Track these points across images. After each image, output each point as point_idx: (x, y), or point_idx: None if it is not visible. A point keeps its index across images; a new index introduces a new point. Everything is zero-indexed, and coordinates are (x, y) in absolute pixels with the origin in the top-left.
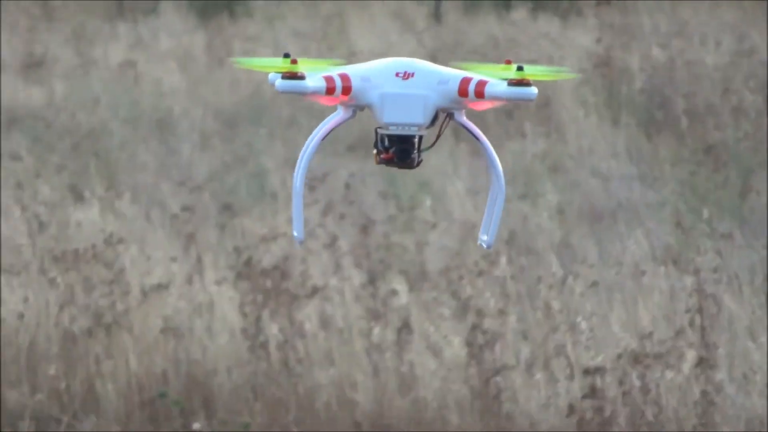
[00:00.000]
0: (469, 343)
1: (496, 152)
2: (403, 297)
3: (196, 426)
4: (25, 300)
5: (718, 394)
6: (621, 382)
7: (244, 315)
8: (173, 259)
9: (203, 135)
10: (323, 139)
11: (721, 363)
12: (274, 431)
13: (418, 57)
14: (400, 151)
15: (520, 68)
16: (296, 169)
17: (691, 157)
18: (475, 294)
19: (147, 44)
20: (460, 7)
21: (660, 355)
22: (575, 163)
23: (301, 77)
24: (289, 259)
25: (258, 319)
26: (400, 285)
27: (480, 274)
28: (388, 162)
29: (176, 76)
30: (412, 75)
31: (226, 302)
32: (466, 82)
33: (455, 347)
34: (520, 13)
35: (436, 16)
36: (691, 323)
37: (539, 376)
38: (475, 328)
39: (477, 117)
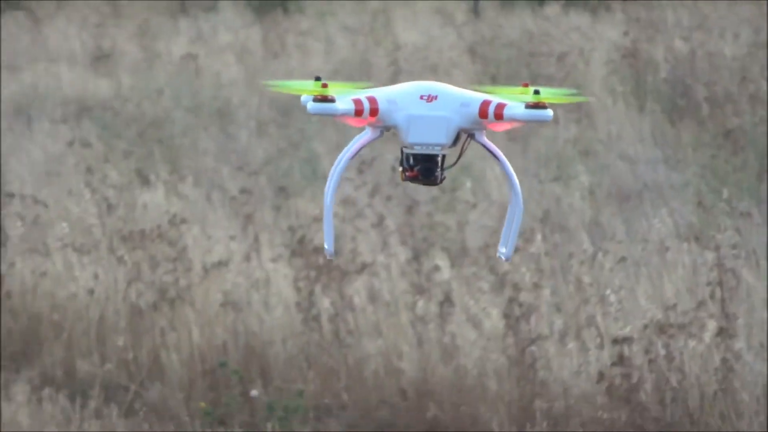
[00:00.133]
0: (507, 315)
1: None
2: (446, 272)
3: (253, 393)
4: (96, 277)
5: (737, 362)
6: (647, 351)
7: (298, 290)
8: (232, 238)
9: (259, 122)
10: (352, 158)
11: (739, 332)
12: (325, 397)
13: (457, 50)
14: (424, 169)
15: (536, 92)
16: (327, 187)
17: (711, 142)
18: (511, 269)
19: (207, 39)
20: (497, 2)
21: (683, 325)
22: (604, 147)
23: (332, 100)
24: (339, 238)
25: (311, 293)
26: (442, 261)
27: (516, 250)
28: (413, 179)
29: (234, 68)
30: (436, 98)
31: (281, 278)
32: (486, 104)
33: (493, 319)
34: (553, 9)
35: (475, 11)
36: (712, 296)
37: (571, 345)
38: (511, 301)
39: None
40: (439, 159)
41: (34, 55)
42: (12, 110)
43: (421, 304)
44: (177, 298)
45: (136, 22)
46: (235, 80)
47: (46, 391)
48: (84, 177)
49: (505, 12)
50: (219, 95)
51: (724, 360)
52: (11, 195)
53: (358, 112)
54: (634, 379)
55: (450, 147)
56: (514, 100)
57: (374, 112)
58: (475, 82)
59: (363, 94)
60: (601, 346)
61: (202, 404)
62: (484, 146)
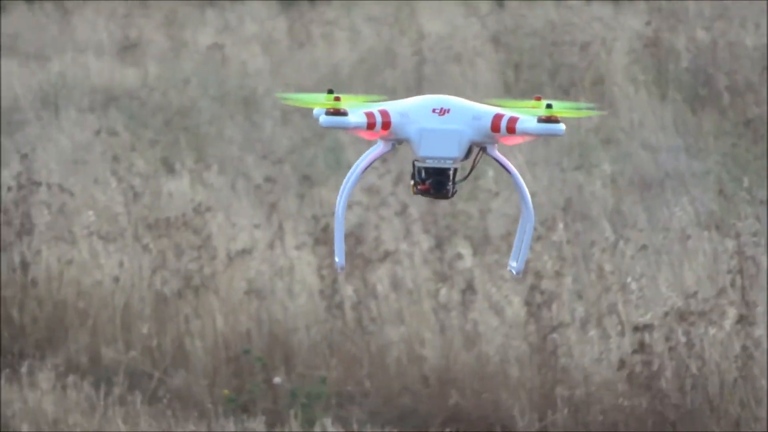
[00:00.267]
0: (528, 303)
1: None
2: (468, 260)
3: (277, 380)
4: (121, 264)
5: (756, 349)
6: (668, 338)
7: (322, 277)
8: (256, 226)
9: (284, 112)
10: (364, 171)
11: (759, 320)
12: (348, 384)
13: (481, 39)
14: (436, 182)
15: (549, 105)
16: (338, 199)
17: (732, 130)
18: (533, 257)
19: (233, 29)
20: None
21: (703, 312)
22: (626, 135)
23: (344, 113)
24: (363, 226)
25: (334, 281)
26: (465, 249)
27: (538, 238)
28: (425, 192)
29: (260, 57)
30: (448, 111)
31: (305, 266)
32: (498, 118)
33: (515, 306)
34: None
35: (499, 1)
36: (732, 283)
37: (592, 332)
38: (533, 288)
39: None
40: (451, 172)
41: (62, 45)
42: (40, 100)
43: (443, 291)
44: (201, 285)
45: (163, 12)
46: (261, 70)
47: (71, 379)
48: (110, 165)
49: (528, 2)
50: (245, 84)
51: (744, 347)
52: (38, 183)
53: (371, 126)
54: (655, 367)
55: (462, 160)
56: (526, 114)
57: (386, 125)
58: (498, 71)
59: (375, 108)
60: (622, 334)
61: (226, 391)
62: (496, 159)
